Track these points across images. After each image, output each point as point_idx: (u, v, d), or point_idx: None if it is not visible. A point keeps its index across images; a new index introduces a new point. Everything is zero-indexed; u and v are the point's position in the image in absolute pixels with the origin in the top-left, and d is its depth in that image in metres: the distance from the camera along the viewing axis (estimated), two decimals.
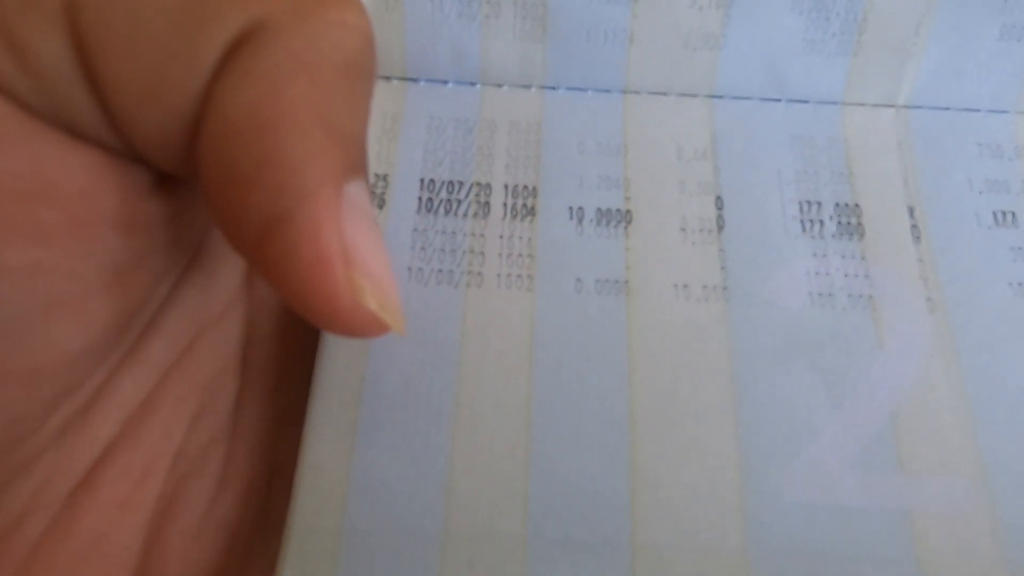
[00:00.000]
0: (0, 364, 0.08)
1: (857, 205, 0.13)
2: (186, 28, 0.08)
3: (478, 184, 0.12)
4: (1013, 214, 0.12)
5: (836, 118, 0.13)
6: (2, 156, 0.08)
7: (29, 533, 0.09)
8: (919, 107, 0.13)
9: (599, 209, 0.12)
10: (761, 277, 0.12)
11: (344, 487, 0.10)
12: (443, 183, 0.12)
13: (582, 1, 0.13)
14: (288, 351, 0.11)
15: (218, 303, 0.11)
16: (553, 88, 0.13)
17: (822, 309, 0.12)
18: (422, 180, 0.12)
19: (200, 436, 0.11)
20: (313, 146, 0.08)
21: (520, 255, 0.12)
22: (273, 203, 0.08)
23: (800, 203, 0.12)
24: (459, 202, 0.12)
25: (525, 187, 0.12)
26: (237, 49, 0.08)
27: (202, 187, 0.08)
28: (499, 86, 0.13)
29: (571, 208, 0.12)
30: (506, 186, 0.12)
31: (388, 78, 0.13)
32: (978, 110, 0.13)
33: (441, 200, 0.12)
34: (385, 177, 0.12)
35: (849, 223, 0.12)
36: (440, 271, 0.12)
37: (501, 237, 0.12)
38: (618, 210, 0.12)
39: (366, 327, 0.08)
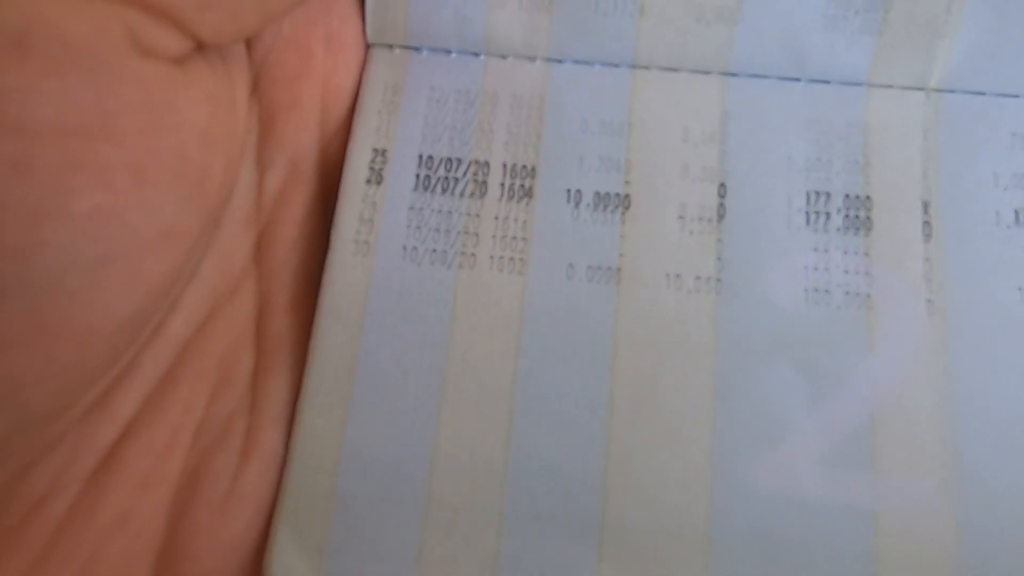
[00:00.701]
0: (51, 320, 0.10)
1: (868, 197, 0.14)
2: None
3: (476, 162, 0.14)
4: None
5: (859, 101, 0.14)
6: (67, 86, 0.09)
7: (54, 512, 0.11)
8: (952, 91, 0.14)
9: (597, 193, 0.14)
10: (757, 270, 0.13)
11: (337, 453, 0.12)
12: (442, 160, 0.14)
13: None
14: (301, 323, 0.13)
15: (231, 277, 0.13)
16: (559, 61, 0.14)
17: (816, 306, 0.13)
18: (420, 156, 0.14)
19: (220, 409, 0.12)
20: None
21: (514, 238, 0.14)
22: None
23: (808, 193, 0.14)
24: (456, 181, 0.14)
25: (524, 167, 0.14)
26: None
27: None
28: (503, 57, 0.14)
29: (569, 191, 0.14)
30: (504, 165, 0.14)
31: (390, 46, 0.14)
32: (1017, 95, 0.14)
33: (439, 178, 0.14)
34: (384, 152, 0.14)
35: (857, 216, 0.14)
36: (434, 251, 0.13)
37: (496, 219, 0.14)
38: (616, 194, 0.14)
39: None
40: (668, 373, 0.13)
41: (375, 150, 0.14)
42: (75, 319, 0.10)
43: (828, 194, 0.14)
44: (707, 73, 0.14)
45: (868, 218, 0.14)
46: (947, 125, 0.14)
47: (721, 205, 0.14)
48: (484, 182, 0.14)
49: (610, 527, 0.12)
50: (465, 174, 0.14)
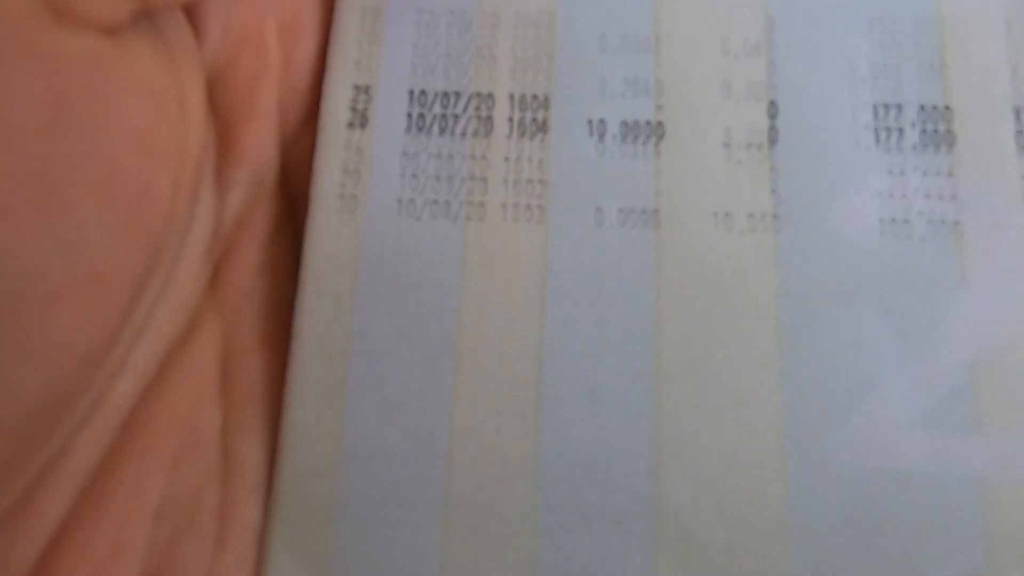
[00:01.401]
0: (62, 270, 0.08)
1: (948, 107, 0.12)
2: None
3: (478, 95, 0.12)
4: None
5: None
6: None
7: None
8: None
9: (624, 122, 0.12)
10: (821, 201, 0.11)
11: (334, 451, 0.11)
12: (436, 95, 0.12)
13: None
14: (274, 363, 0.11)
15: (185, 320, 0.11)
16: None
17: (895, 240, 0.11)
18: (411, 92, 0.12)
19: (185, 485, 0.10)
20: None
21: (529, 181, 0.12)
22: None
23: (875, 106, 0.12)
24: (456, 118, 0.12)
25: (535, 97, 0.12)
26: None
27: None
28: None
29: (591, 121, 0.12)
30: (512, 96, 0.12)
31: None
32: None
33: (435, 116, 0.12)
34: (367, 89, 0.12)
35: (936, 131, 0.11)
36: (435, 202, 0.11)
37: (507, 159, 0.12)
38: (647, 122, 0.12)
39: None
40: (723, 330, 0.11)
41: (356, 87, 0.12)
42: (86, 262, 0.08)
43: (899, 106, 0.12)
44: None
45: (949, 131, 0.12)
46: None
47: (772, 127, 0.12)
48: (489, 118, 0.12)
49: (667, 519, 0.10)
50: (466, 110, 0.12)
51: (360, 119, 0.12)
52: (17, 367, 0.08)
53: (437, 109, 0.12)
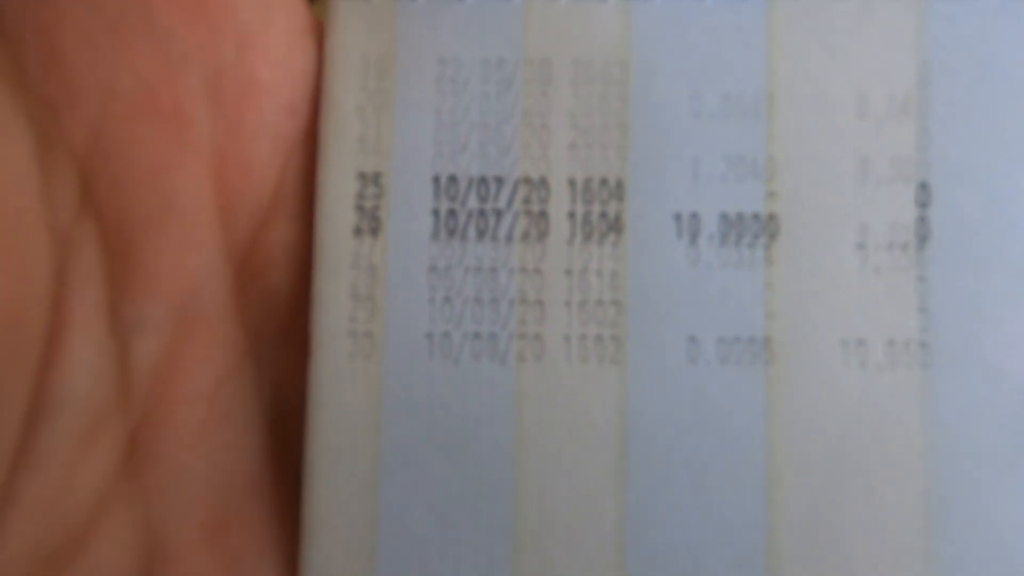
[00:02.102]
0: None
1: None
2: None
3: (527, 181, 0.09)
4: None
5: None
6: None
7: None
8: None
9: (725, 215, 0.09)
10: (986, 325, 0.09)
11: None
12: (471, 183, 0.09)
13: None
14: (231, 563, 0.08)
15: (62, 521, 0.08)
16: None
17: None
18: (436, 179, 0.09)
19: None
20: None
21: (600, 303, 0.09)
22: None
23: None
24: (498, 215, 0.09)
25: (604, 182, 0.09)
26: None
27: None
28: None
29: (679, 216, 0.09)
30: (572, 182, 0.09)
31: None
32: None
33: (470, 213, 0.09)
34: (377, 178, 0.09)
35: None
36: (476, 336, 0.09)
37: (568, 273, 0.09)
38: (756, 216, 0.09)
39: None
40: (855, 499, 0.09)
41: (363, 176, 0.09)
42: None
43: None
44: None
45: None
46: None
47: (923, 220, 0.09)
48: (543, 213, 0.09)
49: None
50: (511, 203, 0.09)
51: (370, 222, 0.09)
52: None
53: (472, 203, 0.09)
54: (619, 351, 0.09)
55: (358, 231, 0.09)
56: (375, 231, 0.09)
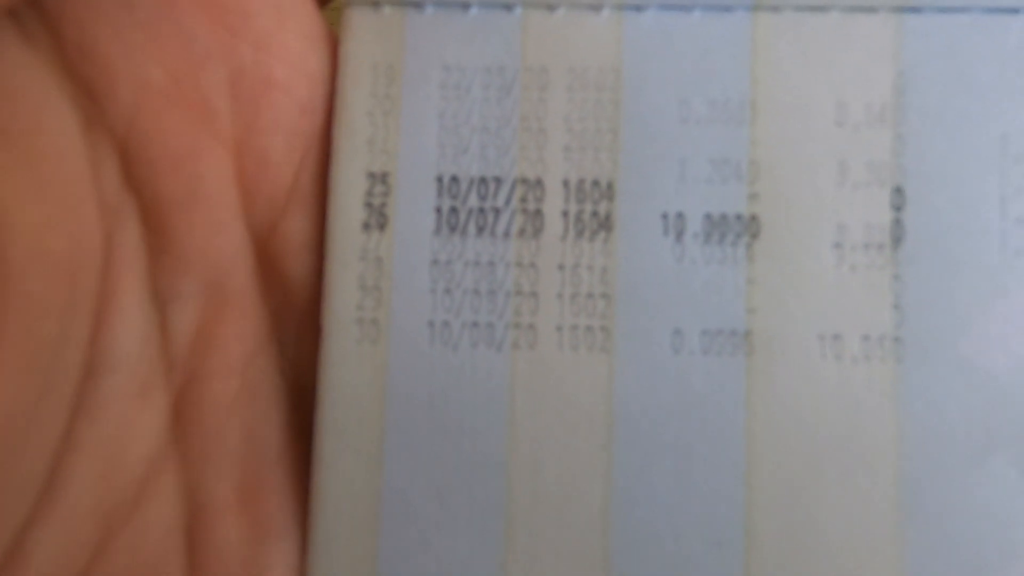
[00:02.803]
0: None
1: None
2: None
3: (524, 181, 0.10)
4: None
5: None
6: None
7: None
8: None
9: (709, 216, 0.09)
10: (957, 321, 0.09)
11: None
12: (472, 182, 0.10)
13: None
14: (259, 524, 0.09)
15: (130, 480, 0.09)
16: (638, 8, 0.10)
17: None
18: (440, 179, 0.10)
19: None
20: None
21: (590, 295, 0.10)
22: None
23: None
24: (496, 212, 0.10)
25: (596, 183, 0.10)
26: None
27: None
28: (551, 8, 0.10)
29: (666, 216, 0.10)
30: (567, 183, 0.10)
31: (376, 3, 0.10)
32: None
33: (470, 211, 0.10)
34: (385, 177, 0.10)
35: None
36: (475, 325, 0.09)
37: (561, 267, 0.10)
38: (739, 216, 0.09)
39: None
40: (829, 487, 0.09)
41: (371, 175, 0.10)
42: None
43: None
44: (872, 11, 0.09)
45: None
46: None
47: (898, 222, 0.09)
48: (538, 212, 0.10)
49: None
50: (509, 201, 0.10)
51: (378, 218, 0.10)
52: None
53: (473, 201, 0.10)
54: (607, 341, 0.09)
55: (366, 226, 0.09)
56: (382, 226, 0.10)
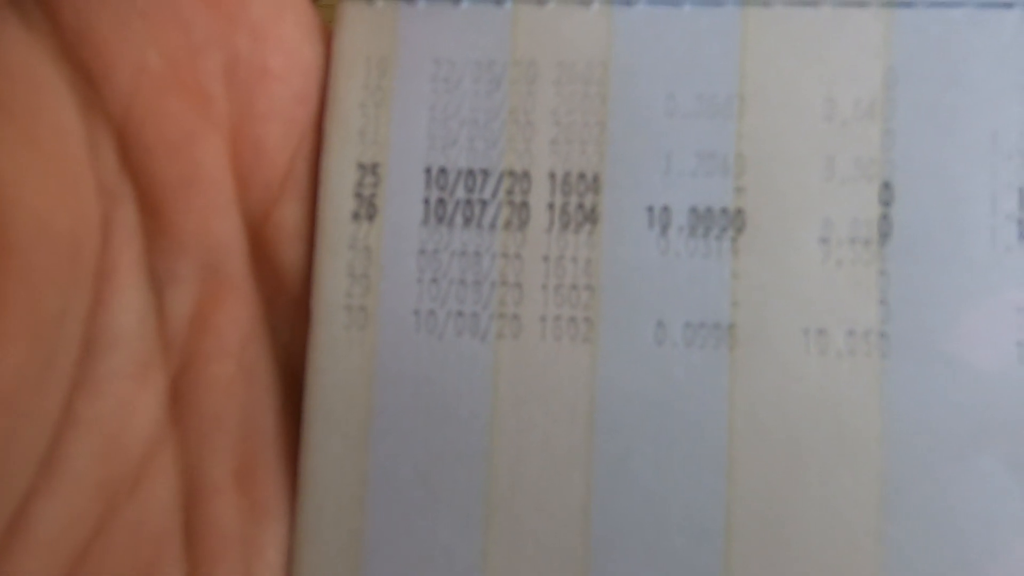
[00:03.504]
0: None
1: None
2: None
3: (511, 174, 0.10)
4: None
5: None
6: None
7: None
8: None
9: (694, 209, 0.10)
10: (943, 317, 0.09)
11: None
12: (460, 174, 0.10)
13: None
14: (255, 505, 0.09)
15: (129, 459, 0.09)
16: (627, 2, 0.10)
17: None
18: (428, 170, 0.10)
19: None
20: None
21: (574, 287, 0.10)
22: None
23: (1022, 191, 0.09)
24: (483, 204, 0.10)
25: (582, 176, 0.10)
26: None
27: None
28: (541, 2, 0.10)
29: (651, 209, 0.10)
30: (553, 175, 0.10)
31: None
32: None
33: (457, 202, 0.10)
34: (375, 168, 0.10)
35: None
36: (460, 314, 0.10)
37: (546, 259, 0.10)
38: (724, 210, 0.10)
39: None
40: (811, 481, 0.09)
41: (362, 166, 0.10)
42: None
43: None
44: (863, 5, 0.09)
45: None
46: None
47: (885, 218, 0.09)
48: (524, 204, 0.10)
49: None
50: (496, 194, 0.10)
51: (368, 208, 0.10)
52: None
53: (460, 193, 0.10)
54: (591, 332, 0.10)
55: (356, 216, 0.10)
56: (371, 216, 0.10)
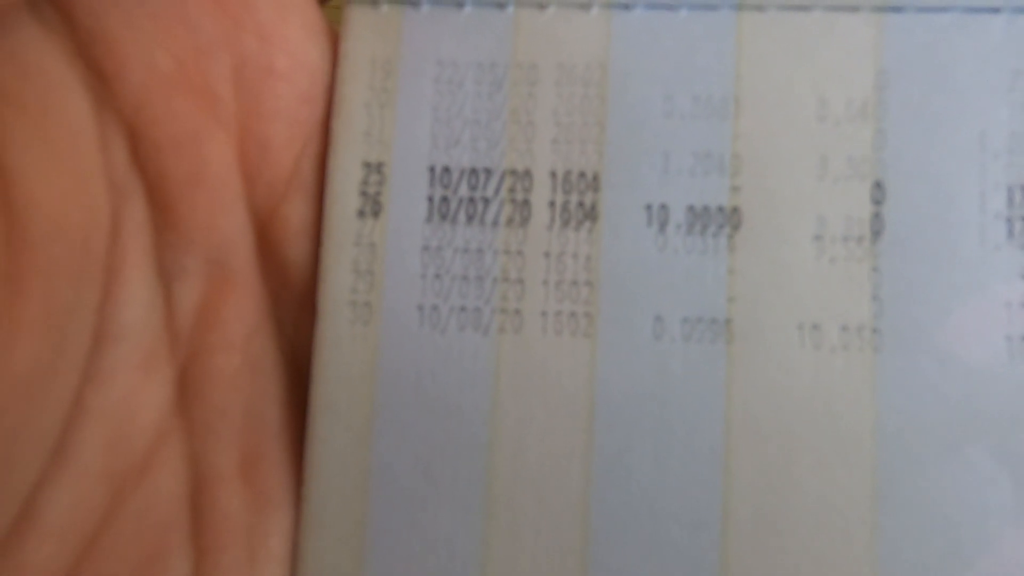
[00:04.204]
0: None
1: None
2: None
3: (513, 172, 0.10)
4: None
5: None
6: None
7: None
8: None
9: (692, 207, 0.10)
10: (935, 312, 0.10)
11: None
12: (463, 173, 0.10)
13: None
14: (259, 495, 0.10)
15: (136, 448, 0.09)
16: (626, 7, 0.10)
17: None
18: (432, 169, 0.10)
19: None
20: None
21: (575, 283, 0.10)
22: None
23: (1011, 189, 0.10)
24: (486, 202, 0.10)
25: (582, 175, 0.10)
26: None
27: None
28: (541, 7, 0.10)
29: (650, 207, 0.10)
30: (554, 174, 0.10)
31: (375, 1, 0.10)
32: None
33: (460, 200, 0.10)
34: (380, 167, 0.10)
35: None
36: (463, 309, 0.10)
37: (547, 255, 0.10)
38: (720, 208, 0.10)
39: None
40: (806, 473, 0.10)
41: (367, 165, 0.10)
42: None
43: None
44: (855, 10, 0.10)
45: None
46: None
47: (877, 216, 0.10)
48: (526, 202, 0.10)
49: None
50: (498, 191, 0.10)
51: (372, 205, 0.10)
52: None
53: (464, 191, 0.10)
54: (590, 326, 0.10)
55: (361, 213, 0.10)
56: (376, 213, 0.10)
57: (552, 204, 0.10)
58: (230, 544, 0.09)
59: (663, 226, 0.10)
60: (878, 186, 0.10)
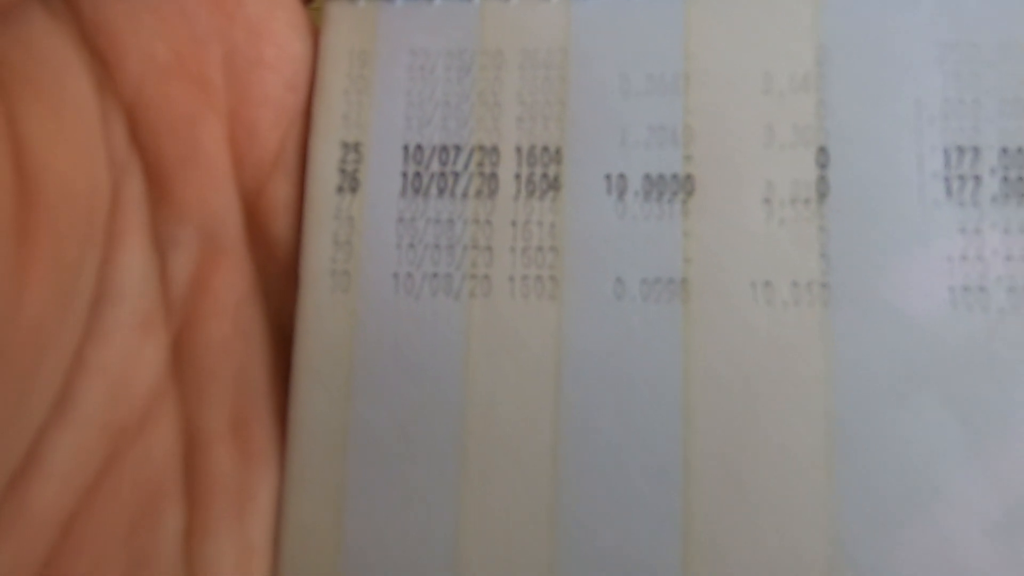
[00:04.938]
0: None
1: None
2: None
3: (481, 148, 0.11)
4: None
5: (1021, 10, 0.10)
6: None
7: None
8: None
9: (648, 176, 0.11)
10: (880, 267, 0.10)
11: (335, 555, 0.10)
12: (434, 150, 0.11)
13: None
14: (248, 453, 0.10)
15: (134, 407, 0.10)
16: None
17: (969, 313, 0.10)
18: (406, 147, 0.11)
19: None
20: None
21: (540, 249, 0.11)
22: None
23: (947, 150, 0.10)
24: (456, 176, 0.11)
25: (545, 149, 0.11)
26: None
27: None
28: None
29: (609, 176, 0.11)
30: (519, 149, 0.11)
31: None
32: None
33: (433, 175, 0.11)
34: (357, 147, 0.11)
35: (1021, 178, 0.10)
36: (435, 276, 0.11)
37: (514, 224, 0.11)
38: (674, 176, 0.11)
39: None
40: (762, 421, 0.10)
41: (345, 145, 0.11)
42: None
43: (976, 149, 0.10)
44: None
45: None
46: None
47: (822, 179, 0.10)
48: (493, 175, 0.11)
49: None
50: (467, 166, 0.11)
51: (351, 182, 0.11)
52: None
53: (435, 166, 0.11)
54: (555, 289, 0.10)
55: (340, 189, 0.11)
56: (354, 189, 0.11)
57: (518, 176, 0.11)
58: (220, 497, 0.10)
59: (622, 194, 0.11)
60: (822, 151, 0.10)
